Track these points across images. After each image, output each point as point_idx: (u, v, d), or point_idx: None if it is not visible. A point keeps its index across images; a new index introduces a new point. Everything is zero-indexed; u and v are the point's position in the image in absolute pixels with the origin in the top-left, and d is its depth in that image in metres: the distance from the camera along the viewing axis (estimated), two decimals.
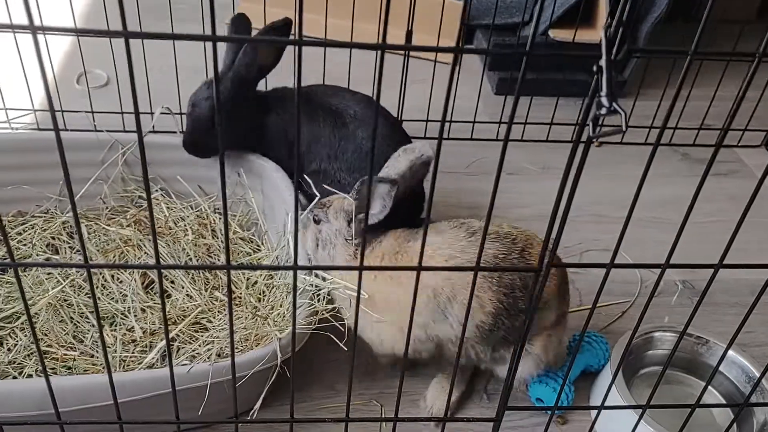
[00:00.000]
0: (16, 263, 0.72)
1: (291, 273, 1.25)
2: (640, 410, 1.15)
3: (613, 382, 0.95)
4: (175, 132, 1.69)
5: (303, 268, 0.76)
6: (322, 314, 1.13)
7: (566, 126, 2.02)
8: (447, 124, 1.99)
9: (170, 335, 1.22)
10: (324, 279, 1.16)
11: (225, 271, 1.32)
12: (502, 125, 2.01)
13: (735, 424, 1.28)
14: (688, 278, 1.63)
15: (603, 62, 0.61)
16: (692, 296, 1.59)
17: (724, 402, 1.31)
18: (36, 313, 1.23)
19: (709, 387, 1.35)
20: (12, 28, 0.54)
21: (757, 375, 1.27)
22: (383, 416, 1.25)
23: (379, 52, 0.61)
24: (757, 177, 2.00)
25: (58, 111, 1.76)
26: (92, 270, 1.31)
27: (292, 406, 0.90)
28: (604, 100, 0.61)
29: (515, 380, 1.10)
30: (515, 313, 1.10)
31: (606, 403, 1.02)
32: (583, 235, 1.74)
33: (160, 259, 0.73)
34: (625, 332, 1.33)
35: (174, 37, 0.56)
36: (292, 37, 1.62)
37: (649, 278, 1.62)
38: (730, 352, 1.32)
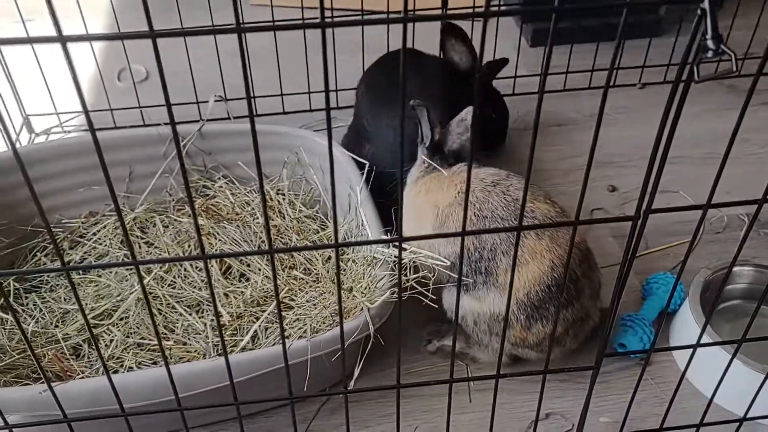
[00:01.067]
0: (138, 262, 0.75)
1: (367, 246, 1.28)
2: (729, 346, 1.17)
3: (708, 321, 0.97)
4: (228, 119, 1.72)
5: (408, 239, 0.78)
6: (407, 283, 1.16)
7: (605, 72, 2.01)
8: None
9: (256, 317, 1.26)
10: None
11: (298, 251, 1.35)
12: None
13: None
14: (752, 211, 1.62)
15: (706, 4, 0.62)
16: (758, 228, 1.59)
17: None
18: (127, 309, 1.27)
19: None
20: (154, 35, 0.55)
21: None
22: (470, 375, 1.28)
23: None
24: None
25: (127, 108, 1.80)
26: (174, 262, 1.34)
27: (398, 372, 0.93)
28: (711, 43, 0.62)
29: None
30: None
31: (694, 342, 1.04)
32: (637, 179, 1.74)
33: (270, 243, 0.74)
34: (699, 270, 1.34)
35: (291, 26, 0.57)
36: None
37: (712, 215, 1.62)
38: None
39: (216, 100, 1.52)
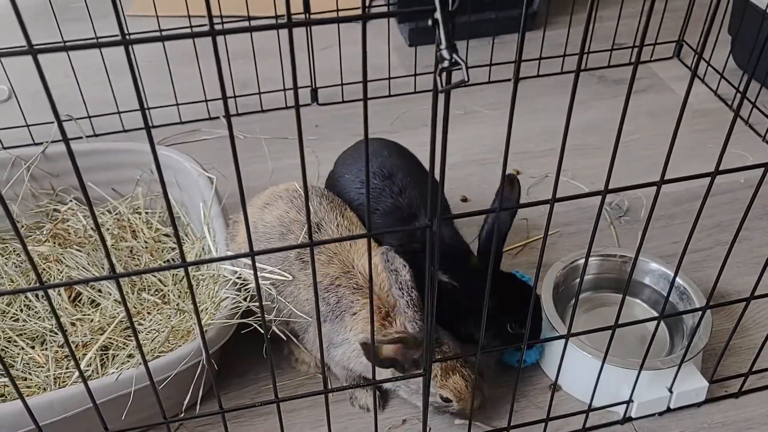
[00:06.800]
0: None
1: (215, 264, 1.25)
2: (582, 340, 1.19)
3: (573, 315, 0.97)
4: (80, 138, 1.66)
5: (258, 252, 0.75)
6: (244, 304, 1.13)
7: (480, 68, 2.03)
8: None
9: (103, 343, 1.21)
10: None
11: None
12: (419, 77, 2.01)
13: (667, 333, 1.32)
14: (614, 200, 1.66)
15: (438, 15, 0.61)
16: (620, 216, 1.62)
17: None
18: None
19: (642, 303, 1.39)
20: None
21: (684, 285, 1.30)
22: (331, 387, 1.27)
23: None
24: (673, 89, 2.04)
25: None
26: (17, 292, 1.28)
27: (275, 386, 0.92)
28: (445, 53, 0.61)
29: None
30: None
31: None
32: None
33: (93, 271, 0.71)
34: (554, 263, 1.35)
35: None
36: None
37: (576, 206, 1.64)
38: (656, 266, 1.35)
39: (63, 121, 1.46)
